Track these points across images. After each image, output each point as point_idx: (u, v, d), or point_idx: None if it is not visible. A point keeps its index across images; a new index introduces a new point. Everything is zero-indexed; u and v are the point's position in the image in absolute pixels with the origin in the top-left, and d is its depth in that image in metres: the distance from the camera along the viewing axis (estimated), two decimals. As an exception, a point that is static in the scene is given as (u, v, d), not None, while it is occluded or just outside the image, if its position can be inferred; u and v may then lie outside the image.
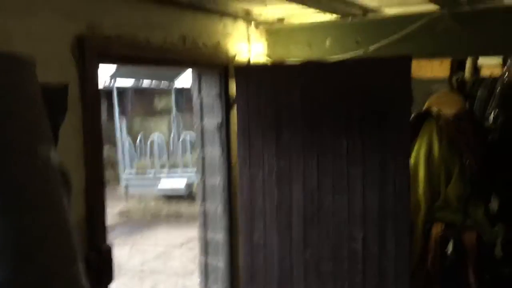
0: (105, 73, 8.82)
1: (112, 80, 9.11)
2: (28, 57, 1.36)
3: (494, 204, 2.65)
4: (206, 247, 3.10)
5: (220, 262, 3.04)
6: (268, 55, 3.26)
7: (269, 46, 3.27)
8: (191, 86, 3.12)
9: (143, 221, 7.86)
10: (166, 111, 13.46)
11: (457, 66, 4.17)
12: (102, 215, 2.07)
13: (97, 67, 2.05)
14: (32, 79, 1.36)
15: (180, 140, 9.18)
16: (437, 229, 2.62)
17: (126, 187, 8.68)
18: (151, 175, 8.66)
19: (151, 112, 13.51)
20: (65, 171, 1.46)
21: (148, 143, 9.05)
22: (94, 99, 2.03)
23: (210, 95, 2.99)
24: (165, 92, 12.26)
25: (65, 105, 1.58)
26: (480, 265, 2.54)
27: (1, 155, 1.18)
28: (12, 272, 1.12)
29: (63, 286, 1.21)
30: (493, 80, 3.33)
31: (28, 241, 1.17)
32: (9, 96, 1.26)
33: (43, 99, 1.39)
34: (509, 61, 3.30)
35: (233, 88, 2.94)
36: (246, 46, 3.12)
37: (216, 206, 3.04)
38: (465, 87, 3.42)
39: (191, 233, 6.69)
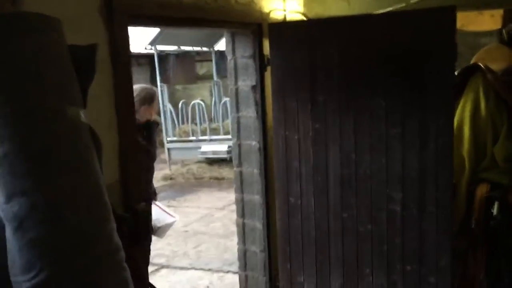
0: (146, 39, 8.88)
1: (153, 47, 9.16)
2: (55, 17, 1.35)
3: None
4: (243, 209, 3.12)
5: (257, 223, 3.05)
6: (304, 13, 3.14)
7: (305, 2, 3.14)
8: (225, 49, 3.06)
9: (186, 185, 8.04)
10: (208, 77, 13.51)
11: (510, 18, 3.88)
12: (137, 177, 2.10)
13: (127, 28, 2.04)
14: (60, 40, 1.36)
15: (221, 104, 9.21)
16: (482, 190, 2.49)
17: (169, 152, 8.86)
18: (193, 140, 8.78)
19: (192, 78, 13.60)
20: (95, 133, 1.47)
21: (190, 108, 9.14)
22: (125, 61, 2.02)
23: (244, 56, 2.93)
24: (206, 58, 12.25)
25: (93, 67, 1.57)
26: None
27: (29, 117, 1.19)
28: (43, 232, 1.14)
29: (96, 244, 1.23)
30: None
31: (59, 202, 1.19)
32: (36, 58, 1.26)
33: (71, 61, 1.38)
34: None
35: (267, 48, 2.86)
36: (281, 3, 3.01)
37: (252, 169, 3.03)
38: (517, 40, 3.18)
39: (233, 196, 6.77)
